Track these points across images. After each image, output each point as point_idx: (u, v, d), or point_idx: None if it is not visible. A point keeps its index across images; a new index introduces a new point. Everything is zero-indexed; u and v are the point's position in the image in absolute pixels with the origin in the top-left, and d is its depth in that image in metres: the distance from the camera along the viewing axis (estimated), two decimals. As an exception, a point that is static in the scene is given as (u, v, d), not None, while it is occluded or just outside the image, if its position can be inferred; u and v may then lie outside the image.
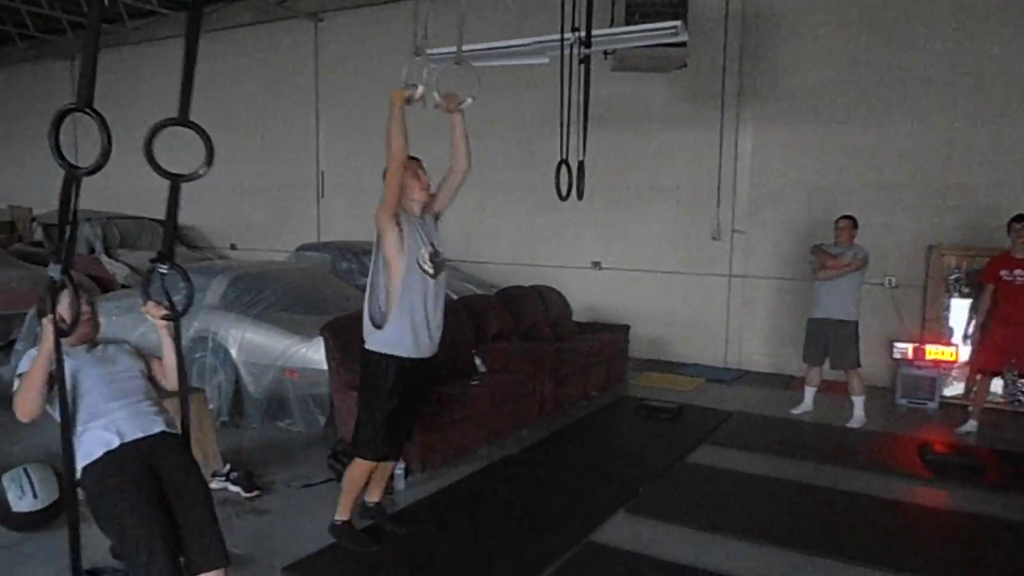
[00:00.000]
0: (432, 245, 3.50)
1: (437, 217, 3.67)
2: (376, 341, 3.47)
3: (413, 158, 3.42)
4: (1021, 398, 6.47)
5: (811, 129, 7.49)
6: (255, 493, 4.27)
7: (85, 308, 2.80)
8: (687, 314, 8.23)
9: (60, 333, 2.42)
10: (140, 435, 2.68)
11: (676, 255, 8.25)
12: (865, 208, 6.94)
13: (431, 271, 3.46)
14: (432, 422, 4.61)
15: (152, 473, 2.59)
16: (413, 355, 3.48)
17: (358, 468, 3.64)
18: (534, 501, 4.37)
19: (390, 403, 3.49)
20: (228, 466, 4.43)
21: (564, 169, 4.11)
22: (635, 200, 8.43)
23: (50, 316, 2.43)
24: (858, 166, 7.31)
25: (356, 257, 8.35)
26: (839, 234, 6.09)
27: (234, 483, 4.30)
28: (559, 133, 4.47)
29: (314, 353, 5.12)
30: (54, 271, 2.35)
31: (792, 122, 7.58)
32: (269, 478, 4.53)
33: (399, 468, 4.44)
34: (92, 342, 2.90)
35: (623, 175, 8.38)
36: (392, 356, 3.45)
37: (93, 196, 12.51)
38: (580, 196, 4.05)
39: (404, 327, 3.42)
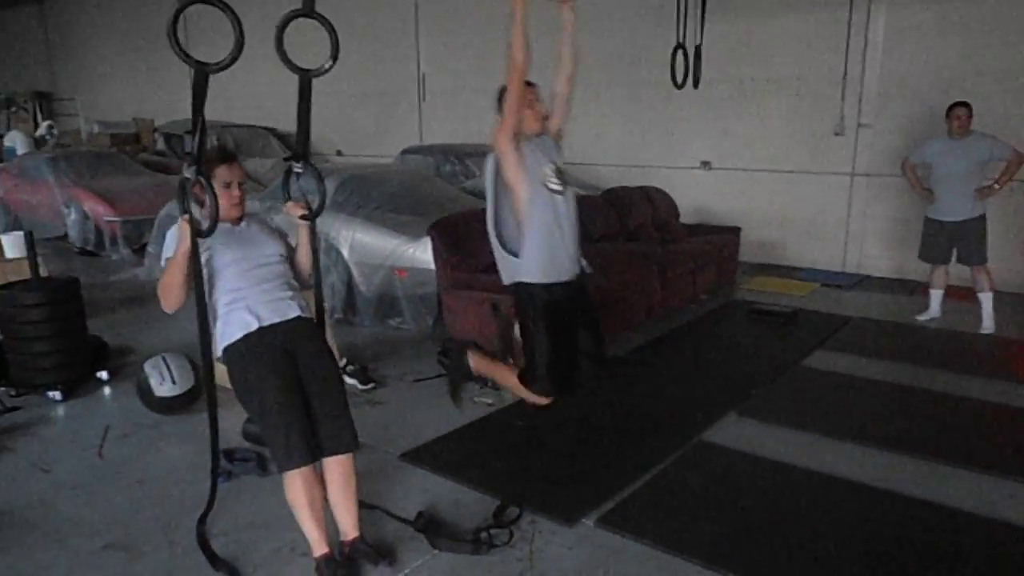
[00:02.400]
0: (554, 163, 3.23)
1: (559, 137, 3.40)
2: (515, 272, 3.25)
3: (528, 84, 3.10)
4: None
5: (954, 7, 6.70)
6: (371, 386, 4.46)
7: (236, 192, 2.82)
8: (803, 215, 7.79)
9: (196, 233, 2.48)
10: (277, 319, 2.74)
11: (794, 153, 7.75)
12: (1015, 97, 6.25)
13: (559, 187, 3.20)
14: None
15: (289, 356, 2.68)
16: (556, 279, 3.22)
17: (520, 390, 3.37)
18: (643, 401, 4.35)
19: (546, 334, 3.22)
20: (344, 360, 4.62)
21: (680, 56, 3.84)
22: (749, 93, 7.89)
23: (185, 216, 2.48)
24: (1008, 48, 6.51)
25: (459, 159, 8.34)
26: (954, 123, 5.48)
27: (350, 376, 4.49)
28: (673, 19, 4.18)
29: (422, 253, 5.19)
30: (189, 171, 2.40)
31: None
32: (382, 373, 4.70)
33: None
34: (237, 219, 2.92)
35: (736, 66, 7.83)
36: (535, 284, 3.21)
37: (208, 105, 13.07)
38: (696, 84, 3.81)
39: (540, 251, 3.18)
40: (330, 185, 6.03)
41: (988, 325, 5.68)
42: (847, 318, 6.02)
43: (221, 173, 2.75)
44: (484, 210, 3.39)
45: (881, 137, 7.24)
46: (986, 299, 5.71)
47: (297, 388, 2.62)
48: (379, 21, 11.11)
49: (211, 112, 2.68)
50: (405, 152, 9.14)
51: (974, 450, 3.70)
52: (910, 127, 7.05)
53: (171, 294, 2.64)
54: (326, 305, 4.99)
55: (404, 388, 4.52)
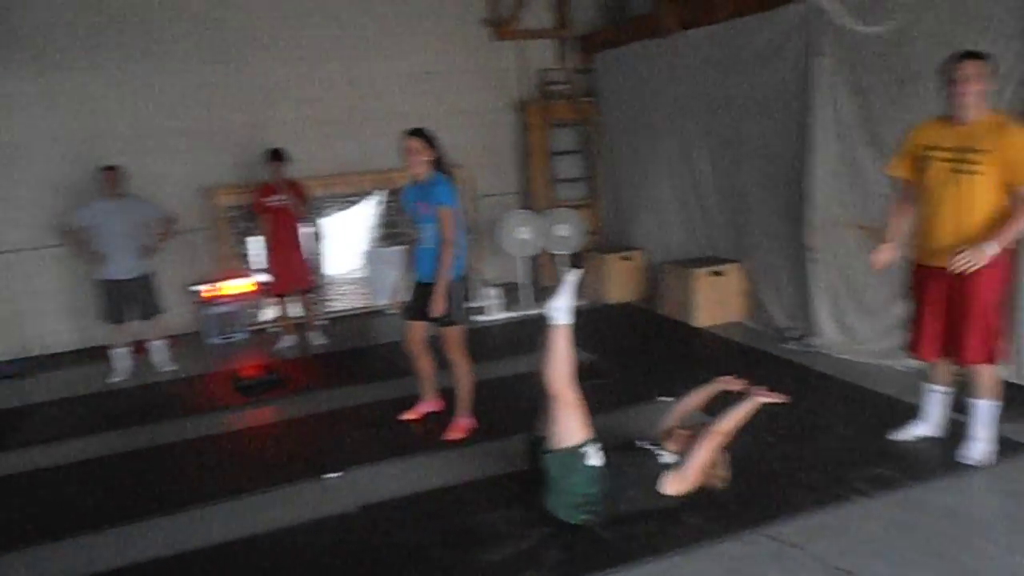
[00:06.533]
0: None
1: None
2: None
3: None
4: (320, 310, 7.19)
5: (55, 76, 6.69)
6: None
7: None
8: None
9: None
10: None
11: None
12: (140, 156, 6.70)
13: None
14: None
15: None
16: None
17: None
18: None
19: None
20: None
21: None
22: None
23: None
24: (117, 114, 6.90)
25: None
26: (107, 186, 5.82)
27: None
28: None
29: None
30: None
31: (30, 68, 6.59)
32: None
33: None
34: None
35: None
36: None
37: None
38: None
39: None
40: None
41: (168, 367, 6.16)
42: (26, 408, 5.48)
43: None
44: None
45: (16, 208, 6.68)
46: (158, 346, 6.20)
47: None
48: None
49: None
50: None
51: (177, 492, 3.86)
52: (44, 194, 6.71)
53: None
54: None
55: None
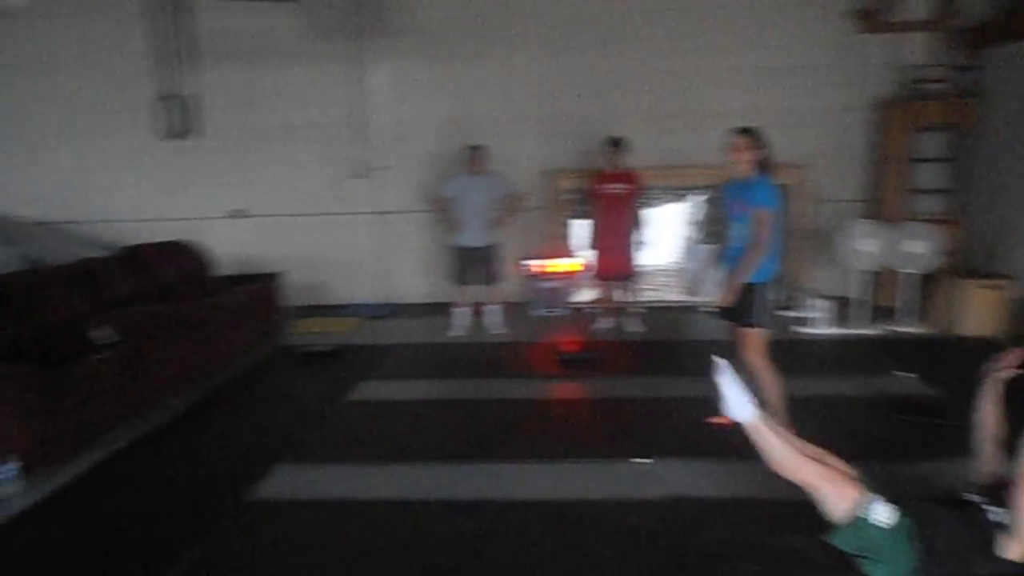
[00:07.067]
0: None
1: None
2: None
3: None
4: (639, 298, 7.42)
5: (442, 64, 7.73)
6: None
7: None
8: (340, 255, 8.13)
9: None
10: None
11: (322, 196, 8.04)
12: (494, 138, 7.42)
13: None
14: (50, 406, 3.91)
15: None
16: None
17: None
18: (184, 474, 4.00)
19: None
20: None
21: (171, 105, 3.65)
22: (272, 140, 7.97)
23: None
24: (485, 99, 7.77)
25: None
26: (471, 163, 6.52)
27: None
28: (161, 66, 3.95)
29: None
30: None
31: (424, 57, 7.72)
32: None
33: (9, 471, 3.70)
34: None
35: (255, 114, 7.86)
36: None
37: None
38: (188, 134, 3.66)
39: None
40: None
41: (499, 330, 6.76)
42: (388, 346, 6.44)
43: None
44: None
45: (396, 177, 7.95)
46: (493, 310, 6.81)
47: None
48: None
49: None
50: None
51: (502, 443, 4.24)
52: (419, 167, 7.88)
53: None
54: None
55: None
